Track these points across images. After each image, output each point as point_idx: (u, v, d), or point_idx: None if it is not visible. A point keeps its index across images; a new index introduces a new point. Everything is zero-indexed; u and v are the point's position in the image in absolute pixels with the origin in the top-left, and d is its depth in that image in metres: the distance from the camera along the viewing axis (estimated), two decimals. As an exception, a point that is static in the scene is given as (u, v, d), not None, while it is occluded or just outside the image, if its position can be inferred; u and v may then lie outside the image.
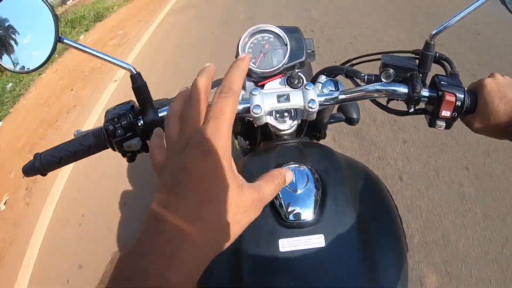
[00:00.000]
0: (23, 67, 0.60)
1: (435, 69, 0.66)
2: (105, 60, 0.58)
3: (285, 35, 0.70)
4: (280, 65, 0.68)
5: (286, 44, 0.70)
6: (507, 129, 0.56)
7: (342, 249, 0.52)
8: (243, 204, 0.31)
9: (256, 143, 0.84)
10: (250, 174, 0.62)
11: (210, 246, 0.29)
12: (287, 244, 0.52)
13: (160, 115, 0.61)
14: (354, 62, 0.76)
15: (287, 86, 0.67)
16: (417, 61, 0.64)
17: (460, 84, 0.60)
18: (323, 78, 0.71)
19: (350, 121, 0.85)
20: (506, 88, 0.57)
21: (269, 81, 0.69)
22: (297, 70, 0.66)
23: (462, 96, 0.58)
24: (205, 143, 0.29)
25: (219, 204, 0.29)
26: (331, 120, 0.87)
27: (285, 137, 0.72)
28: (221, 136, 0.30)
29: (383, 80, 0.63)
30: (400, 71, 0.63)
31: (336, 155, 0.66)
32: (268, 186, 0.34)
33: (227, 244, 0.30)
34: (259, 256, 0.52)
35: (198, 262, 0.28)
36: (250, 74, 0.70)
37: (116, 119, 0.59)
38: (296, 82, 0.66)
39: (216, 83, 0.69)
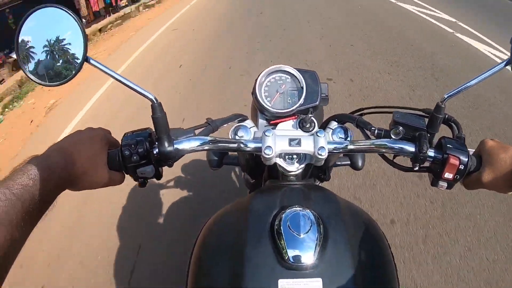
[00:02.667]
0: (48, 80, 0.62)
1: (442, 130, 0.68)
2: (129, 87, 0.60)
3: (302, 77, 0.72)
4: (294, 107, 0.70)
5: (302, 87, 0.72)
6: None
7: None
8: None
9: (262, 179, 0.86)
10: (256, 213, 0.64)
11: None
12: (286, 285, 0.53)
13: (175, 146, 0.63)
14: (365, 112, 0.79)
15: (299, 129, 0.69)
16: (426, 119, 0.67)
17: (465, 147, 0.63)
18: (334, 124, 0.73)
19: (355, 167, 0.87)
20: (507, 145, 0.60)
21: (282, 121, 0.71)
22: (310, 115, 0.68)
23: (466, 160, 0.61)
24: None
25: None
26: (336, 163, 0.89)
27: (291, 177, 0.74)
28: None
29: (392, 136, 0.65)
30: (409, 129, 0.65)
31: (338, 201, 0.68)
32: None
33: None
34: None
35: None
36: (263, 112, 0.72)
37: (133, 146, 0.60)
38: (308, 126, 0.68)
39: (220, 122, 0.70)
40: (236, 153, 0.90)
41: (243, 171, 0.89)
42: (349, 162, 0.88)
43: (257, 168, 0.85)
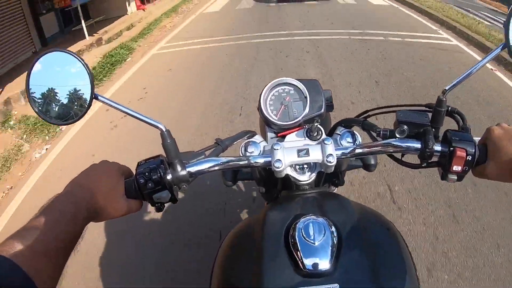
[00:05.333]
0: (62, 120, 0.65)
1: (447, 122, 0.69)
2: (138, 118, 0.62)
3: (305, 88, 0.74)
4: (300, 118, 0.72)
5: (306, 97, 0.74)
6: None
7: None
8: None
9: (277, 190, 0.87)
10: (271, 225, 0.65)
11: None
12: None
13: (187, 169, 0.65)
14: (370, 113, 0.80)
15: (306, 138, 0.71)
16: (429, 115, 0.67)
17: (471, 138, 0.63)
18: (341, 129, 0.74)
19: (368, 168, 0.88)
20: None
21: (290, 133, 0.72)
22: (316, 124, 0.69)
23: (473, 150, 0.61)
24: None
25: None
26: (349, 167, 0.90)
27: (305, 186, 0.75)
28: None
29: (397, 136, 0.66)
30: (413, 127, 0.66)
31: (352, 206, 0.69)
32: None
33: None
34: None
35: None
36: (271, 126, 0.74)
37: (147, 174, 0.62)
38: (315, 134, 0.70)
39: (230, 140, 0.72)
40: (249, 169, 0.92)
41: (257, 184, 0.90)
42: (361, 164, 0.89)
43: (271, 180, 0.86)
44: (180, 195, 0.71)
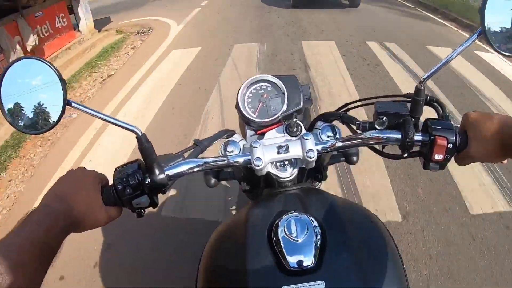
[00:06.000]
0: (35, 129, 0.63)
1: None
2: (113, 123, 0.61)
3: (282, 84, 0.73)
4: (278, 114, 0.71)
5: (284, 92, 0.73)
6: (503, 147, 0.57)
7: None
8: None
9: (260, 187, 0.86)
10: (254, 224, 0.64)
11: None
12: None
13: (166, 173, 0.64)
14: (350, 106, 0.79)
15: (286, 134, 0.70)
16: (409, 105, 0.67)
17: (451, 126, 0.62)
18: (321, 124, 0.73)
19: (350, 161, 0.88)
20: (489, 114, 0.60)
21: (269, 130, 0.71)
22: (295, 119, 0.69)
23: (453, 138, 0.61)
24: None
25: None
26: (331, 161, 0.89)
27: (287, 183, 0.74)
28: None
29: (377, 127, 0.65)
30: (393, 117, 0.66)
31: (336, 201, 0.68)
32: None
33: None
34: None
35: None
36: (250, 123, 0.73)
37: (124, 179, 0.61)
38: (295, 130, 0.69)
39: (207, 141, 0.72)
40: (231, 168, 0.91)
41: (240, 184, 0.89)
42: (343, 158, 0.89)
43: (253, 179, 0.85)
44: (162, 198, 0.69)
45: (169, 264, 1.87)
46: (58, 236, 0.53)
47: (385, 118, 0.65)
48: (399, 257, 0.64)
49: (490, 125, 0.58)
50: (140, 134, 0.62)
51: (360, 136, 0.67)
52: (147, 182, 0.63)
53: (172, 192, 2.35)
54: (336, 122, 0.74)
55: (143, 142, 0.62)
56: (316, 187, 0.92)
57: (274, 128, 0.72)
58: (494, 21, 0.63)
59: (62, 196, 0.58)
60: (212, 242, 0.70)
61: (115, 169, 0.64)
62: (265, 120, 0.71)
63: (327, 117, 0.75)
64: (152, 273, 1.83)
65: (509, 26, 0.63)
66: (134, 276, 1.84)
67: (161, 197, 0.69)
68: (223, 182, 0.92)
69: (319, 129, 0.72)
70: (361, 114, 2.56)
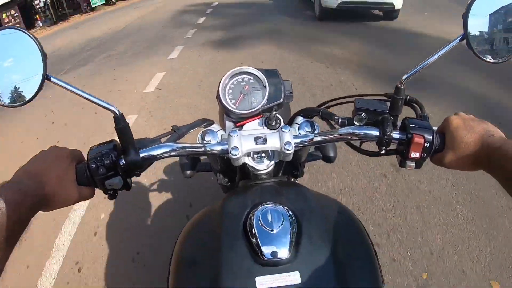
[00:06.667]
0: (10, 101, 0.63)
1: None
2: (91, 101, 0.61)
3: (264, 77, 0.74)
4: (259, 107, 0.71)
5: (265, 86, 0.73)
6: (477, 159, 0.58)
7: (318, 286, 0.53)
8: None
9: (236, 180, 0.86)
10: (230, 214, 0.64)
11: None
12: (264, 282, 0.53)
13: (141, 155, 0.63)
14: (330, 103, 0.80)
15: (265, 127, 0.70)
16: (388, 104, 0.67)
17: (429, 125, 0.63)
18: (300, 119, 0.74)
19: (328, 159, 0.88)
20: (470, 121, 0.61)
21: (248, 122, 0.71)
22: (274, 112, 0.69)
23: (431, 137, 0.61)
24: None
25: None
26: (308, 159, 0.89)
27: (263, 176, 0.74)
28: None
29: (355, 123, 0.66)
30: (372, 115, 0.66)
31: (310, 194, 0.68)
32: None
33: None
34: None
35: None
36: (229, 115, 0.73)
37: (98, 158, 0.60)
38: (274, 123, 0.69)
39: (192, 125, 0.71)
40: (208, 160, 0.91)
41: (216, 176, 0.89)
42: (321, 156, 0.89)
43: (230, 171, 0.85)
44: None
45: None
46: (26, 213, 0.52)
47: (364, 114, 0.65)
48: (373, 250, 0.65)
49: (468, 136, 0.59)
50: (118, 113, 0.62)
51: (339, 132, 0.67)
52: (121, 163, 0.62)
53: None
54: (316, 119, 0.75)
55: (120, 122, 0.62)
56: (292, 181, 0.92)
57: (254, 120, 0.72)
58: (477, 28, 0.64)
59: (32, 173, 0.57)
60: (185, 233, 0.70)
61: (90, 148, 0.64)
62: (245, 111, 0.71)
63: (306, 113, 0.75)
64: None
65: (490, 34, 0.64)
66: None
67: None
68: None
69: (298, 124, 0.73)
70: (342, 113, 2.61)
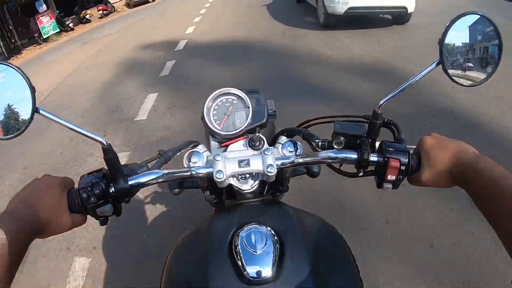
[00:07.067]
0: (2, 133, 0.65)
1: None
2: (80, 133, 0.63)
3: (247, 97, 0.76)
4: (242, 127, 0.74)
5: (249, 106, 0.76)
6: (452, 176, 0.60)
7: None
8: None
9: (222, 198, 0.89)
10: (216, 235, 0.67)
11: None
12: None
13: (129, 183, 0.66)
14: (311, 123, 0.82)
15: (249, 148, 0.73)
16: (367, 126, 0.70)
17: (405, 148, 0.66)
18: (283, 139, 0.76)
19: (311, 174, 0.91)
20: (444, 141, 0.64)
21: (233, 142, 0.74)
22: (257, 134, 0.71)
23: (406, 160, 0.64)
24: None
25: None
26: (293, 174, 0.92)
27: (248, 195, 0.77)
28: None
29: (335, 147, 0.69)
30: (350, 138, 0.69)
31: (293, 212, 0.72)
32: None
33: None
34: None
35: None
36: (214, 135, 0.76)
37: (89, 188, 0.63)
38: (257, 144, 0.72)
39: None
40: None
41: (203, 193, 0.92)
42: (305, 171, 0.92)
43: (216, 189, 0.88)
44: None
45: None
46: (25, 241, 0.55)
47: (342, 138, 0.68)
48: (356, 268, 0.68)
49: (443, 155, 0.61)
50: (106, 144, 0.64)
51: (319, 155, 0.70)
52: (111, 191, 0.65)
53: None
54: (298, 138, 0.77)
55: (108, 152, 0.64)
56: (278, 199, 0.95)
57: (238, 141, 0.74)
58: (452, 53, 0.66)
59: (28, 202, 0.59)
60: (175, 252, 0.73)
61: (81, 177, 0.67)
62: (229, 133, 0.74)
63: (289, 132, 0.78)
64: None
65: (465, 60, 0.66)
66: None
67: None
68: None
69: (281, 144, 0.75)
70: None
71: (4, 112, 0.64)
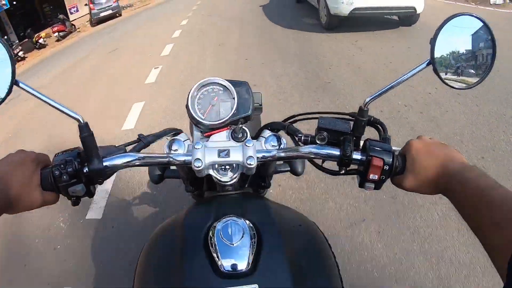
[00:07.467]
0: None
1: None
2: (57, 108, 0.62)
3: (233, 88, 0.74)
4: (226, 118, 0.72)
5: (234, 97, 0.74)
6: (436, 183, 0.58)
7: None
8: None
9: (202, 189, 0.87)
10: (192, 226, 0.65)
11: None
12: None
13: (104, 164, 0.64)
14: (297, 118, 0.80)
15: (231, 139, 0.71)
16: (351, 123, 0.68)
17: (390, 148, 0.64)
18: (267, 132, 0.75)
19: (295, 172, 0.89)
20: (432, 146, 0.61)
21: (216, 133, 0.72)
22: (240, 125, 0.70)
23: (390, 160, 0.62)
24: None
25: None
26: (277, 170, 0.90)
27: (228, 187, 0.75)
28: None
29: (317, 142, 0.67)
30: (334, 134, 0.67)
31: (273, 207, 0.70)
32: None
33: None
34: None
35: None
36: (197, 125, 0.74)
37: (62, 165, 0.61)
38: (240, 136, 0.70)
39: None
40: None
41: (184, 183, 0.90)
42: (289, 169, 0.90)
43: (197, 180, 0.86)
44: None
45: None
46: None
47: (325, 133, 0.66)
48: (335, 264, 0.66)
49: (428, 161, 0.59)
50: (83, 122, 0.63)
51: (301, 150, 0.68)
52: (84, 171, 0.63)
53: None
54: (282, 133, 0.75)
55: (84, 131, 0.63)
56: (261, 195, 0.93)
57: (221, 131, 0.73)
58: (443, 54, 0.64)
59: None
60: (149, 243, 0.71)
61: (55, 154, 0.65)
62: (213, 122, 0.72)
63: (273, 127, 0.76)
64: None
65: (456, 61, 0.64)
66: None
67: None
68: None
69: (265, 138, 0.74)
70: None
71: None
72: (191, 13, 10.68)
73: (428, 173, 0.59)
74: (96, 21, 16.73)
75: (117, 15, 17.05)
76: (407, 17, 5.80)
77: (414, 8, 5.45)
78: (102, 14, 16.48)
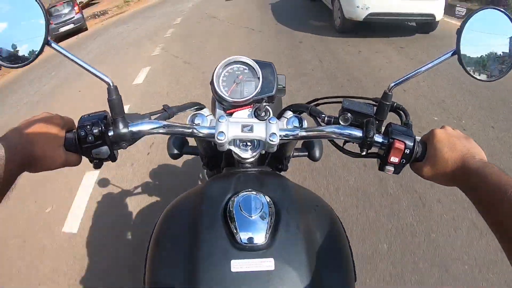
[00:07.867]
0: (9, 61, 0.64)
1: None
2: (87, 70, 0.62)
3: (259, 68, 0.75)
4: (250, 96, 0.73)
5: (259, 77, 0.75)
6: (454, 177, 0.59)
7: (291, 274, 0.55)
8: None
9: (220, 167, 0.88)
10: (210, 198, 0.65)
11: None
12: (239, 265, 0.54)
13: (130, 129, 0.65)
14: (320, 102, 0.81)
15: (254, 117, 0.72)
16: (375, 108, 0.69)
17: (411, 133, 0.65)
18: (289, 113, 0.75)
19: (312, 157, 0.89)
20: (455, 138, 0.62)
21: (238, 110, 0.73)
22: (264, 104, 0.70)
23: (412, 144, 0.63)
24: None
25: None
26: (294, 154, 0.91)
27: (247, 165, 0.75)
28: None
29: (341, 123, 0.67)
30: (357, 116, 0.67)
31: (292, 186, 0.70)
32: None
33: None
34: (212, 272, 0.55)
35: None
36: (221, 102, 0.75)
37: (88, 126, 0.62)
38: (263, 114, 0.71)
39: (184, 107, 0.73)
40: (195, 143, 0.92)
41: (202, 160, 0.91)
42: (306, 153, 0.90)
43: (216, 157, 0.86)
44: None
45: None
46: (15, 170, 0.53)
47: (349, 115, 0.67)
48: (348, 247, 0.66)
49: (449, 153, 0.60)
50: (112, 85, 0.63)
51: (323, 129, 0.68)
52: (110, 134, 0.64)
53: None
54: (305, 116, 0.76)
55: (113, 94, 0.63)
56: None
57: (244, 109, 0.73)
58: (470, 44, 0.66)
59: (24, 133, 0.58)
60: (166, 213, 0.71)
61: (81, 116, 0.65)
62: (237, 100, 0.73)
63: (296, 108, 0.77)
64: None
65: (480, 53, 0.66)
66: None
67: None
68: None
69: (287, 118, 0.74)
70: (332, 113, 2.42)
71: (17, 40, 0.64)
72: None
73: (448, 165, 0.60)
74: (54, 38, 11.24)
75: (83, 29, 13.03)
76: (426, 25, 5.52)
77: (433, 16, 5.19)
78: (62, 30, 12.45)
